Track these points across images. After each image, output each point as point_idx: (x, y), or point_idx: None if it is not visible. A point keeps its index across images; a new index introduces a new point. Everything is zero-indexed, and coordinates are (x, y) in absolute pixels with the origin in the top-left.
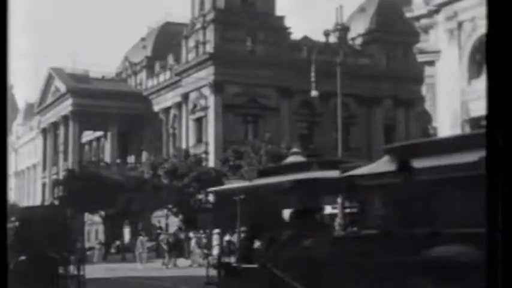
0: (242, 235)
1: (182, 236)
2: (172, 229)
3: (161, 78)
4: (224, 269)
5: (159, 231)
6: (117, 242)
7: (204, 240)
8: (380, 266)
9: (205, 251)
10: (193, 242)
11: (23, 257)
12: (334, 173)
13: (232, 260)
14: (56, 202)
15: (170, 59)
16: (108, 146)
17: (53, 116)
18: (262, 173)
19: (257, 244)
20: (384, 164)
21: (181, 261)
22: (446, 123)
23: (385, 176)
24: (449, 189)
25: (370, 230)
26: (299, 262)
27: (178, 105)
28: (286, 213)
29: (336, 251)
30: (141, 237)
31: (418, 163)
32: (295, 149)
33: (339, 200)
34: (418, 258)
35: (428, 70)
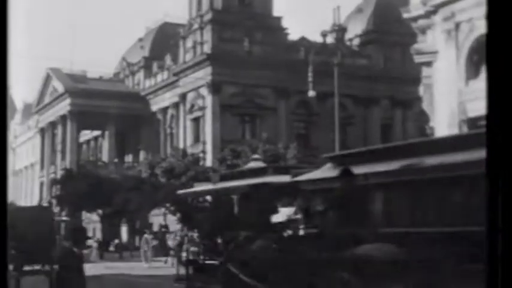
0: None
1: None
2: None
3: (159, 78)
4: (192, 266)
5: (164, 229)
6: (116, 241)
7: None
8: (313, 262)
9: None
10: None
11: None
12: (285, 178)
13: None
14: (54, 201)
15: (168, 59)
16: (105, 145)
17: (51, 115)
18: (225, 177)
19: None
20: (326, 170)
21: None
22: (444, 124)
23: (327, 181)
24: (380, 193)
25: (312, 230)
26: (251, 260)
27: (176, 105)
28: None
29: (280, 249)
30: (146, 235)
31: (356, 169)
32: (255, 156)
33: None
34: (345, 255)
35: (425, 71)
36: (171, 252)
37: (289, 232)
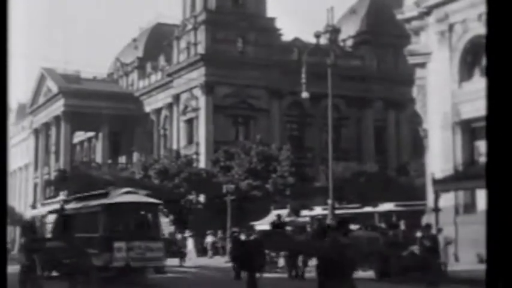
0: None
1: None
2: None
3: (152, 79)
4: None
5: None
6: None
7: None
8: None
9: None
10: None
11: None
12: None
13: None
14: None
15: (161, 60)
16: (99, 146)
17: (44, 116)
18: (43, 204)
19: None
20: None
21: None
22: (437, 125)
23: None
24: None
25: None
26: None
27: (170, 106)
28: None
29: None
30: None
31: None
32: (64, 192)
33: (329, 201)
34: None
35: (419, 72)
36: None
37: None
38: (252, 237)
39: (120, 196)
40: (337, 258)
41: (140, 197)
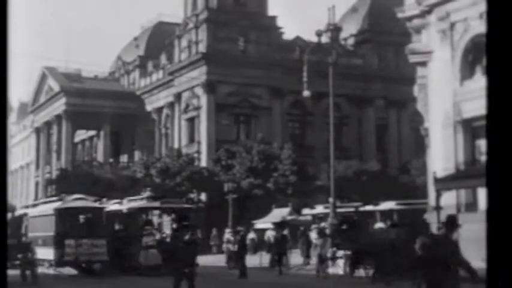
0: None
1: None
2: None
3: (154, 77)
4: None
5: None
6: None
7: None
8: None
9: None
10: None
11: None
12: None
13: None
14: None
15: (163, 59)
16: (100, 145)
17: (46, 115)
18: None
19: None
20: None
21: None
22: (438, 124)
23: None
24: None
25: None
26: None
27: (171, 105)
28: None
29: None
30: None
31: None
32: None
33: (331, 199)
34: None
35: (420, 71)
36: None
37: None
38: (187, 237)
39: (71, 202)
40: (450, 256)
41: (87, 203)
